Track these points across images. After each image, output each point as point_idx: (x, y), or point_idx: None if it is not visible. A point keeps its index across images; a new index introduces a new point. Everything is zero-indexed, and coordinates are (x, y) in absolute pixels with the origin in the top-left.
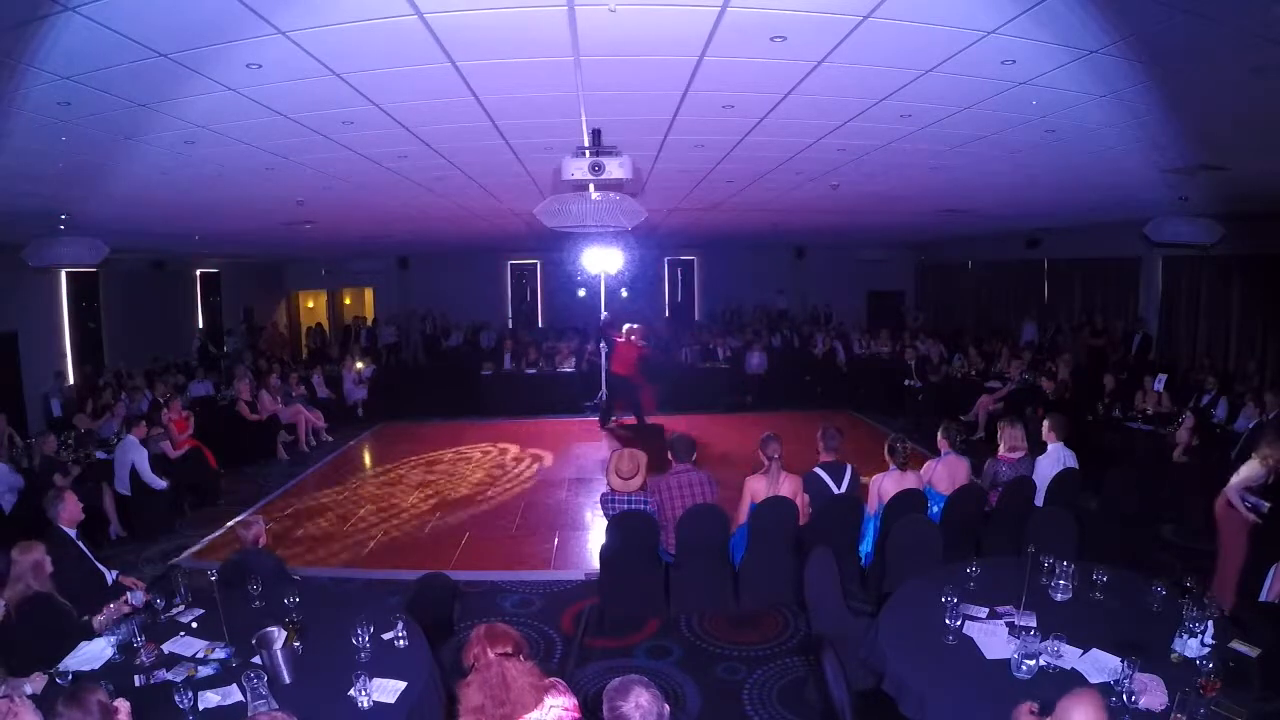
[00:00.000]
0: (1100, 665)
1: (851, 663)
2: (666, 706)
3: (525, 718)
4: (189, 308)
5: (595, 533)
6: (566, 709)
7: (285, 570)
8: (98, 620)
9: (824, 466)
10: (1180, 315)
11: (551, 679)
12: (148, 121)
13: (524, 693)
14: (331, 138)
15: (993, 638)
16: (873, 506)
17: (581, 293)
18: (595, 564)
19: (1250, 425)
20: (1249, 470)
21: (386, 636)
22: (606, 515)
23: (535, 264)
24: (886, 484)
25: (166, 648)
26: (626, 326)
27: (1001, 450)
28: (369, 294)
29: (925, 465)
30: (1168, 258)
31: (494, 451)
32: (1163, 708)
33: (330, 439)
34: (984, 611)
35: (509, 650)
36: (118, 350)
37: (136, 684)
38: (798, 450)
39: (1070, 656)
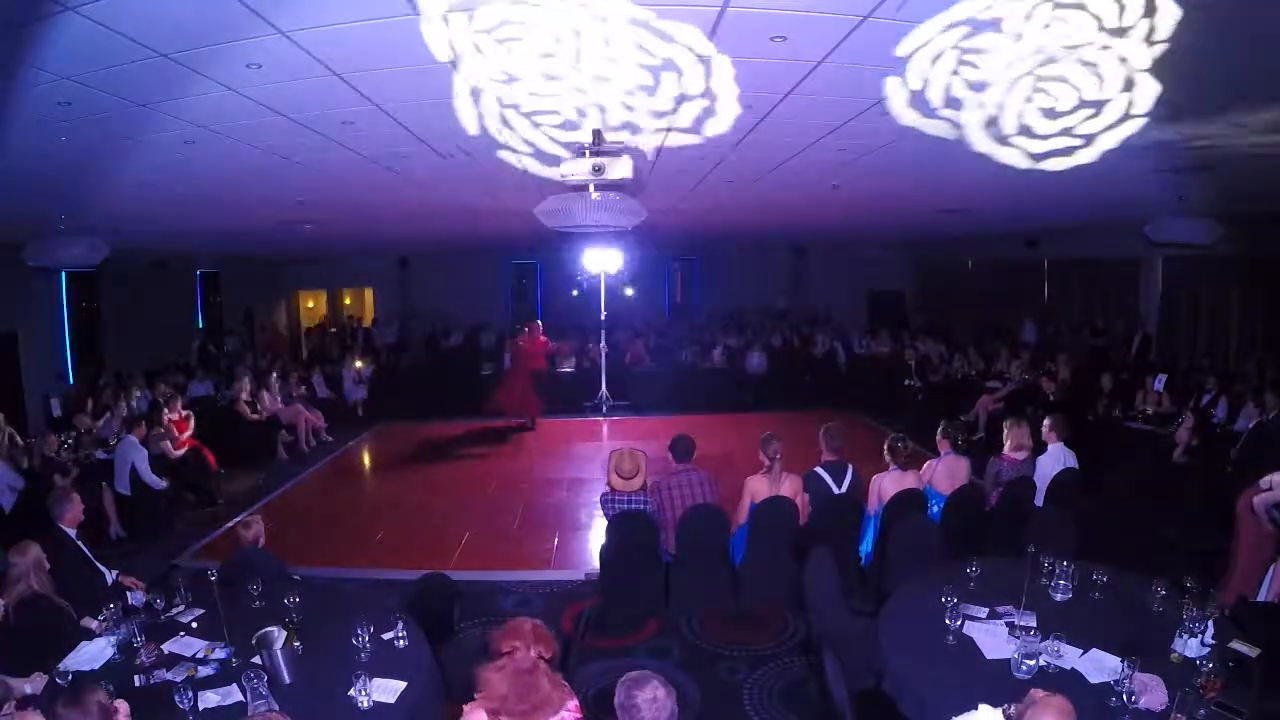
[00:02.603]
0: (1100, 665)
1: (852, 663)
2: (677, 708)
3: None
4: (189, 308)
5: (595, 533)
6: (569, 710)
7: (285, 570)
8: (97, 621)
9: (825, 466)
10: (1180, 315)
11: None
12: (148, 121)
13: (547, 701)
14: (331, 138)
15: (993, 638)
16: (873, 506)
17: (575, 293)
18: (595, 564)
19: (1250, 425)
20: None
21: (386, 636)
22: (606, 515)
23: (535, 264)
24: (886, 484)
25: (166, 648)
26: (528, 326)
27: (1007, 449)
28: (369, 294)
29: (925, 465)
30: (1168, 258)
31: (493, 451)
32: (1163, 708)
33: (330, 439)
34: (984, 611)
35: (548, 656)
36: (118, 350)
37: (136, 684)
38: (798, 450)
39: (1070, 656)
